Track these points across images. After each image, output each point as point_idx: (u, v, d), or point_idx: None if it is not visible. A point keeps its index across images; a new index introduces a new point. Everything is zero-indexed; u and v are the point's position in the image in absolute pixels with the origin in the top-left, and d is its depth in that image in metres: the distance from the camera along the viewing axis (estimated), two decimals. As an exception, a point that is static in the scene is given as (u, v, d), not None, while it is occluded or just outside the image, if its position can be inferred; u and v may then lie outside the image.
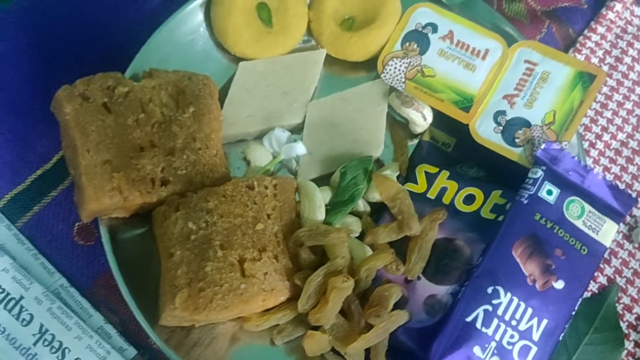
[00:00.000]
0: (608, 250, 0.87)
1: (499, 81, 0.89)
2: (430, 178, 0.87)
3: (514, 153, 0.86)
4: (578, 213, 0.82)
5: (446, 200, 0.86)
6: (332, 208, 0.85)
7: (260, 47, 0.92)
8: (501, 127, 0.87)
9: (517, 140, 0.86)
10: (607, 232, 0.82)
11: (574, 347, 0.85)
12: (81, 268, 0.86)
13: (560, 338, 0.78)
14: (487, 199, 0.85)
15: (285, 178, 0.84)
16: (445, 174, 0.87)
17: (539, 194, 0.82)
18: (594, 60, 1.00)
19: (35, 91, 0.93)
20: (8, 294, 0.83)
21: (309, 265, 0.81)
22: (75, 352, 0.82)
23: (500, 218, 0.83)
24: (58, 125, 0.82)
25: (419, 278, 0.82)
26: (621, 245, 0.92)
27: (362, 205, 0.86)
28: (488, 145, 0.87)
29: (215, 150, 0.84)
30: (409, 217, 0.81)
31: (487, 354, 0.76)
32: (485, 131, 0.88)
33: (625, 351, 0.87)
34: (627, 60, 1.00)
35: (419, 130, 0.91)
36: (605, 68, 1.00)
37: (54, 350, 0.82)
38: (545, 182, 0.82)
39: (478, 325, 0.77)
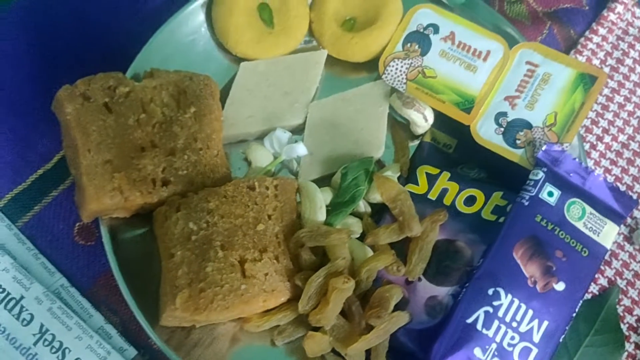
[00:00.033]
0: (609, 252, 0.87)
1: (500, 82, 0.89)
2: (431, 179, 0.87)
3: (515, 154, 0.86)
4: (579, 215, 0.82)
5: (447, 201, 0.85)
6: (333, 209, 0.85)
7: (262, 47, 0.92)
8: (502, 129, 0.87)
9: (518, 142, 0.86)
10: (608, 234, 0.82)
11: (574, 349, 0.85)
12: (82, 268, 0.86)
13: (561, 340, 0.78)
14: (488, 200, 0.85)
15: (286, 179, 0.84)
16: (446, 175, 0.87)
17: (539, 196, 0.82)
18: (595, 61, 1.00)
19: (36, 91, 0.93)
20: (8, 293, 0.83)
21: (310, 266, 0.81)
22: (76, 352, 0.82)
23: (501, 219, 0.83)
24: (59, 125, 0.82)
25: (419, 279, 0.82)
26: (622, 247, 0.92)
27: (363, 206, 0.86)
28: (489, 146, 0.87)
29: (216, 150, 0.84)
30: (410, 218, 0.81)
31: (487, 356, 0.76)
32: (486, 132, 0.88)
33: (626, 353, 0.87)
34: (629, 62, 1.00)
35: (420, 131, 0.91)
36: (607, 70, 1.00)
37: (54, 350, 0.82)
38: (546, 183, 0.82)
39: (479, 326, 0.77)
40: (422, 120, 0.90)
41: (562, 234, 0.80)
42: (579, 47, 1.00)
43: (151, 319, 0.79)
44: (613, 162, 0.96)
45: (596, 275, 0.88)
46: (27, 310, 0.83)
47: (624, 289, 0.90)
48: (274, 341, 0.81)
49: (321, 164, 0.88)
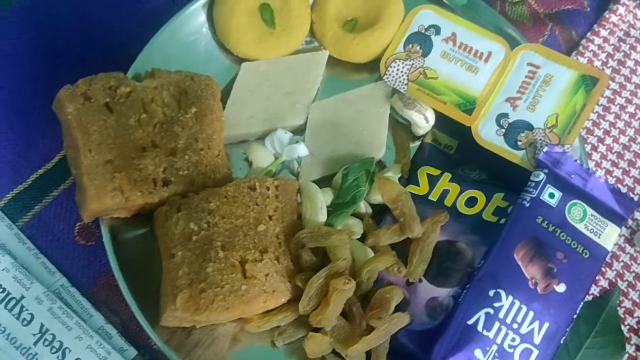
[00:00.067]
0: (610, 254, 0.87)
1: (502, 84, 0.89)
2: (432, 180, 0.87)
3: (516, 156, 0.86)
4: (580, 216, 0.82)
5: (448, 202, 0.85)
6: (334, 210, 0.85)
7: (263, 48, 0.92)
8: (503, 130, 0.87)
9: (519, 143, 0.86)
10: (609, 236, 0.82)
11: (575, 351, 0.85)
12: (82, 268, 0.86)
13: (562, 341, 0.78)
14: (489, 201, 0.85)
15: (287, 179, 0.84)
16: (447, 176, 0.87)
17: (541, 197, 0.82)
18: (597, 63, 1.00)
19: (37, 90, 0.93)
20: (9, 293, 0.83)
21: (311, 267, 0.81)
22: (76, 352, 0.81)
23: (502, 221, 0.83)
24: (60, 124, 0.82)
25: (420, 280, 0.82)
26: (623, 249, 0.92)
27: (363, 207, 0.86)
28: (490, 147, 0.87)
29: (217, 150, 0.84)
30: (411, 219, 0.81)
31: (488, 357, 0.76)
32: (487, 134, 0.88)
33: (627, 355, 0.87)
34: (630, 63, 1.00)
35: (421, 132, 0.91)
36: (608, 71, 1.00)
37: (54, 350, 0.81)
38: (548, 185, 0.82)
39: (479, 328, 0.77)
40: (423, 121, 0.90)
41: (563, 236, 0.80)
42: (580, 48, 1.00)
43: (151, 319, 0.79)
44: (614, 164, 0.96)
45: (597, 277, 0.88)
46: (27, 310, 0.83)
47: (625, 290, 0.90)
48: (275, 342, 0.81)
49: (322, 164, 0.88)
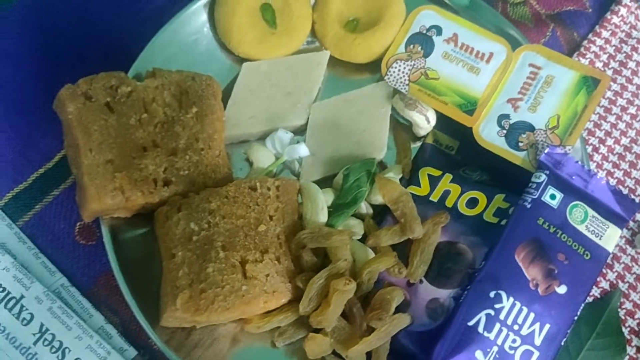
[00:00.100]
0: (611, 255, 0.86)
1: (503, 85, 0.89)
2: (433, 181, 0.87)
3: (517, 157, 0.86)
4: (581, 218, 0.81)
5: (449, 203, 0.85)
6: (335, 210, 0.84)
7: (264, 47, 0.92)
8: (505, 131, 0.87)
9: (520, 144, 0.86)
10: (610, 237, 0.81)
11: (576, 352, 0.85)
12: (82, 268, 0.86)
13: (563, 343, 0.78)
14: (490, 202, 0.85)
15: (287, 179, 0.84)
16: (448, 177, 0.87)
17: (542, 198, 0.82)
18: (598, 64, 1.00)
19: (37, 90, 0.92)
20: (8, 293, 0.83)
21: (311, 268, 0.81)
22: (76, 352, 0.81)
23: (503, 222, 0.83)
24: (60, 123, 0.82)
25: (421, 281, 0.82)
26: (624, 251, 0.91)
27: (364, 208, 0.86)
28: (491, 148, 0.87)
29: (218, 150, 0.84)
30: (412, 220, 0.81)
31: (489, 359, 0.76)
32: (488, 134, 0.87)
33: (627, 357, 0.87)
34: (632, 64, 1.00)
35: (422, 132, 0.91)
36: (610, 72, 1.00)
37: (54, 350, 0.81)
38: (549, 186, 0.82)
39: (480, 329, 0.77)
40: (424, 121, 0.90)
41: (564, 237, 0.80)
42: (582, 49, 1.00)
43: (151, 320, 0.78)
44: (615, 165, 0.95)
45: (598, 279, 0.88)
46: (27, 309, 0.83)
47: (626, 292, 0.90)
48: (275, 342, 0.80)
49: (323, 165, 0.88)
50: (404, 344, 0.79)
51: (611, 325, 0.86)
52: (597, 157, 0.96)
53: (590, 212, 0.82)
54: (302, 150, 0.87)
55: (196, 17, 0.93)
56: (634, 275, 0.90)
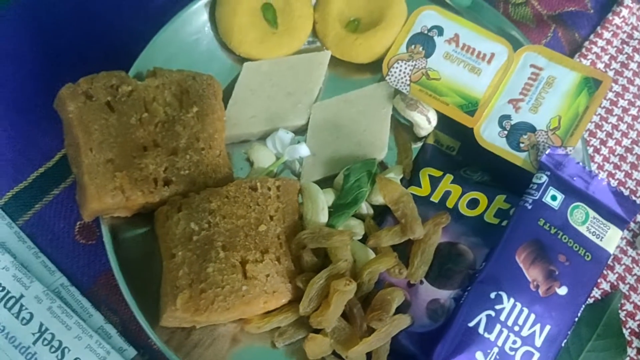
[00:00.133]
0: (612, 257, 0.86)
1: (504, 85, 0.89)
2: (434, 181, 0.87)
3: (518, 158, 0.86)
4: (582, 219, 0.81)
5: (450, 204, 0.85)
6: (335, 210, 0.84)
7: (265, 47, 0.92)
8: (506, 132, 0.87)
9: (521, 145, 0.86)
10: (611, 239, 0.81)
11: (576, 354, 0.85)
12: (82, 267, 0.86)
13: (563, 344, 0.78)
14: (491, 203, 0.85)
15: (288, 179, 0.84)
16: (449, 177, 0.87)
17: (543, 200, 0.81)
18: (600, 65, 0.99)
19: (38, 88, 0.92)
20: (8, 292, 0.83)
21: (311, 268, 0.81)
22: (75, 352, 0.81)
23: (504, 223, 0.83)
24: (61, 122, 0.82)
25: (421, 282, 0.81)
26: (625, 252, 0.91)
27: (365, 208, 0.86)
28: (492, 149, 0.87)
29: (219, 150, 0.84)
30: (412, 220, 0.81)
31: (489, 360, 0.76)
32: (489, 135, 0.87)
33: (628, 358, 0.87)
34: (633, 66, 1.00)
35: (423, 133, 0.91)
36: (611, 73, 0.99)
37: (53, 349, 0.81)
38: (550, 187, 0.82)
39: (480, 330, 0.77)
40: (425, 122, 0.90)
41: (565, 238, 0.80)
42: (583, 50, 1.00)
43: (151, 319, 0.78)
44: (617, 167, 0.95)
45: (599, 280, 0.88)
46: (26, 309, 0.82)
47: (627, 293, 0.90)
48: (275, 343, 0.80)
49: (324, 165, 0.88)
50: (404, 344, 0.79)
51: (612, 326, 0.86)
52: (598, 159, 0.95)
53: (591, 213, 0.82)
54: (303, 150, 0.87)
55: (197, 16, 0.93)
56: (635, 277, 0.90)
